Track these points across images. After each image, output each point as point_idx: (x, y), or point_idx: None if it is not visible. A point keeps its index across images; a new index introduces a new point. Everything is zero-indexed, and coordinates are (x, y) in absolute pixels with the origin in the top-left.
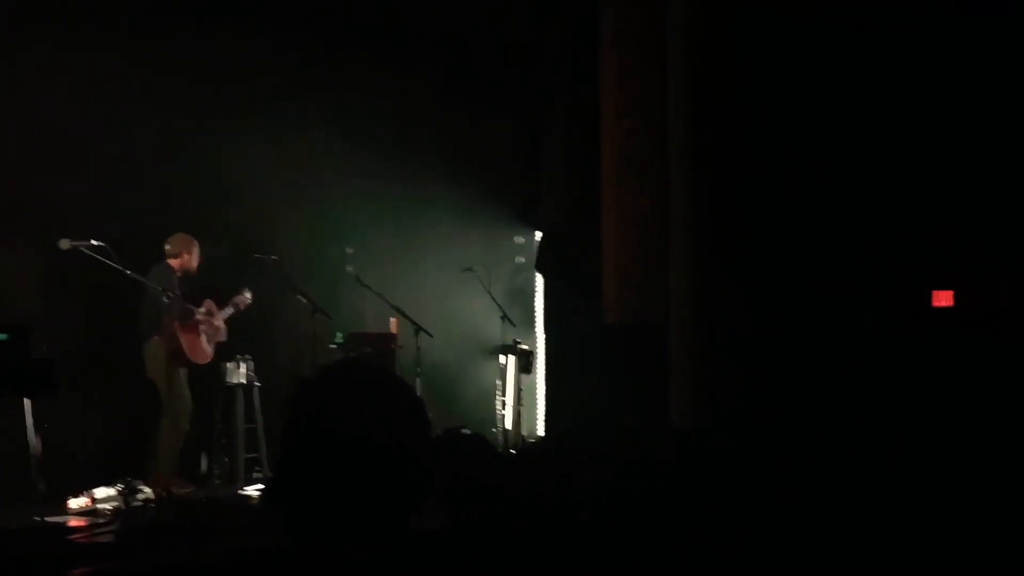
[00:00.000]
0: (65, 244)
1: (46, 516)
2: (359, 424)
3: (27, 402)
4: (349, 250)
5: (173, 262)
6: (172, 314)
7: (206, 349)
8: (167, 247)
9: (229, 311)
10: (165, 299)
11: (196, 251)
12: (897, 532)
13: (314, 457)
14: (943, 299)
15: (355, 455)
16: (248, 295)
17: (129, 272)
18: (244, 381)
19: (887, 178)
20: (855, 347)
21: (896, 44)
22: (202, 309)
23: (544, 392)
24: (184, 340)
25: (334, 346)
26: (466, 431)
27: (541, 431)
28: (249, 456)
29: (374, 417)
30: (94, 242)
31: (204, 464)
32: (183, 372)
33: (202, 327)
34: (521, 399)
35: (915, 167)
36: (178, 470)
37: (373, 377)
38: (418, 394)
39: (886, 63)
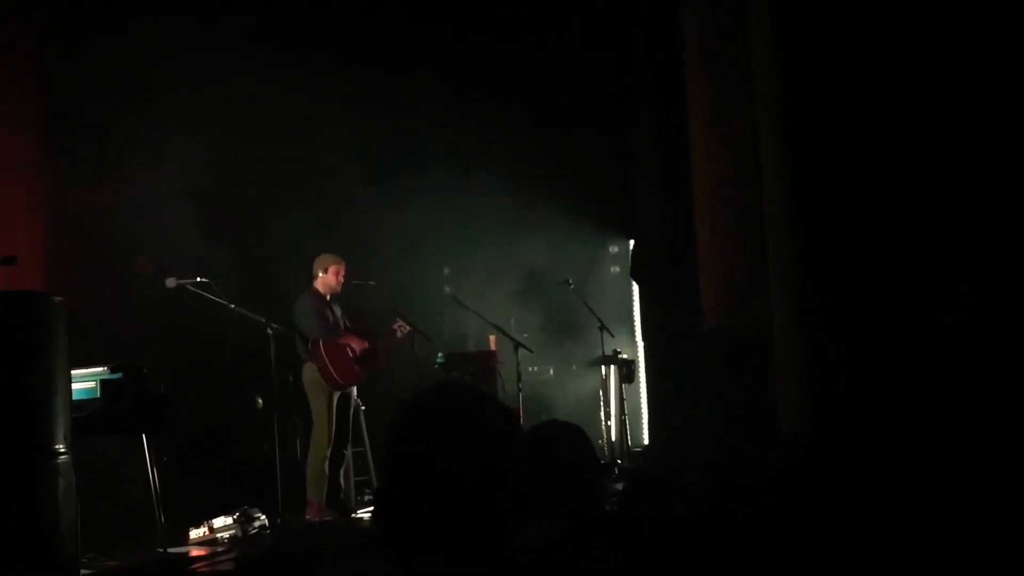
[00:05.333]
0: (171, 282)
1: (169, 548)
2: (456, 445)
3: (145, 438)
4: (446, 271)
5: (317, 284)
6: (320, 336)
7: (356, 370)
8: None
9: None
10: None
11: (333, 268)
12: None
13: (412, 478)
14: None
15: (452, 476)
16: (396, 326)
17: (233, 306)
18: None
19: (996, 167)
20: (970, 344)
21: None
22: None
23: (646, 401)
24: (331, 361)
25: (436, 366)
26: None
27: (647, 440)
28: (359, 479)
29: (471, 438)
30: (199, 279)
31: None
32: (337, 397)
33: (352, 347)
34: (625, 409)
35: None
36: (324, 496)
37: (469, 397)
38: (519, 412)
39: (995, 47)
